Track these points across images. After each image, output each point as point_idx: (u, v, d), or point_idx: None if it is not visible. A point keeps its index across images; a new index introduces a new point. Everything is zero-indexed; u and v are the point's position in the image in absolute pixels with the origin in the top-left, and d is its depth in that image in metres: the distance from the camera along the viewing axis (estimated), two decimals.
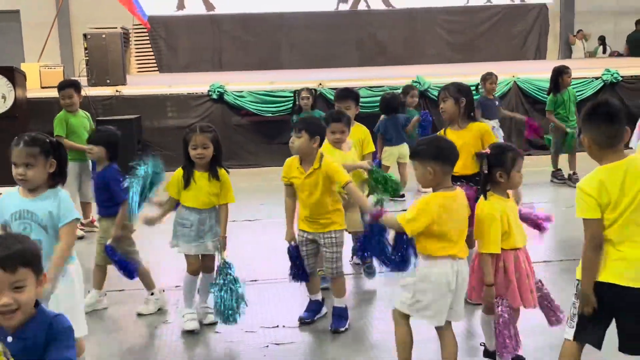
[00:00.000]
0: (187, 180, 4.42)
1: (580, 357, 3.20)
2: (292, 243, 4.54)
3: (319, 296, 4.71)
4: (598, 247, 3.07)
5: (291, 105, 10.26)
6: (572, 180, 8.49)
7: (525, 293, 3.61)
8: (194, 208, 4.50)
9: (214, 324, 4.63)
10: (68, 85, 7.23)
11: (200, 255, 4.56)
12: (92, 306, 4.79)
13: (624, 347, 3.14)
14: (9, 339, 2.17)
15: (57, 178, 3.40)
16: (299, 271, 4.52)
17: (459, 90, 4.84)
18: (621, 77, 11.08)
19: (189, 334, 4.51)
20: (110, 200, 4.83)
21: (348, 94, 6.22)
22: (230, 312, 4.31)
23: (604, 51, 18.88)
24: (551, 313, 3.74)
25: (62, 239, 3.33)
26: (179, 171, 4.48)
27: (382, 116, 7.76)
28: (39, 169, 3.30)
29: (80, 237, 6.34)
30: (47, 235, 3.31)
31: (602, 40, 19.07)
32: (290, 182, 4.50)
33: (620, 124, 3.10)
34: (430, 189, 3.54)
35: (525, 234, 3.73)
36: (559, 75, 8.48)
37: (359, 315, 4.86)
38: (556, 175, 8.84)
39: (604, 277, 3.07)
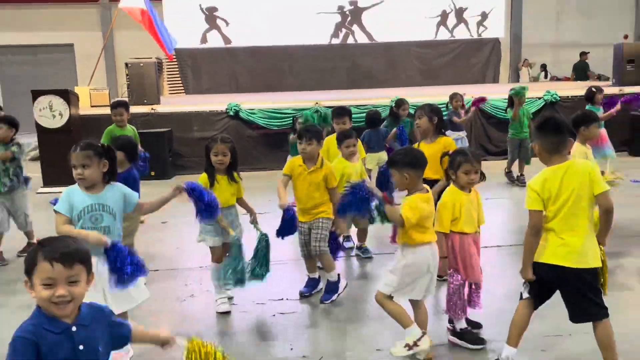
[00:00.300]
0: (212, 182, 4.36)
1: (531, 314, 3.28)
2: (285, 207, 4.51)
3: (316, 274, 4.76)
4: (537, 233, 3.14)
5: (292, 120, 10.25)
6: (519, 180, 8.48)
7: (470, 269, 3.68)
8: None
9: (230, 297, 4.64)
10: (120, 105, 7.23)
11: (222, 245, 4.49)
12: None
13: (574, 318, 3.20)
14: (74, 328, 2.06)
15: (109, 176, 3.42)
16: (285, 229, 4.57)
17: (432, 110, 4.90)
18: (559, 97, 11.15)
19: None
20: None
21: (344, 112, 6.30)
22: (261, 269, 4.44)
23: (546, 76, 18.94)
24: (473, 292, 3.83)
25: (145, 206, 3.61)
26: (204, 175, 4.41)
27: (367, 130, 7.75)
28: (94, 169, 3.32)
29: None
30: (115, 220, 3.39)
31: (544, 67, 19.13)
32: (289, 174, 4.54)
33: (564, 134, 3.19)
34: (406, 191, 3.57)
35: (475, 225, 3.75)
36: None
37: (355, 290, 4.83)
38: (509, 176, 8.77)
39: (549, 259, 3.13)
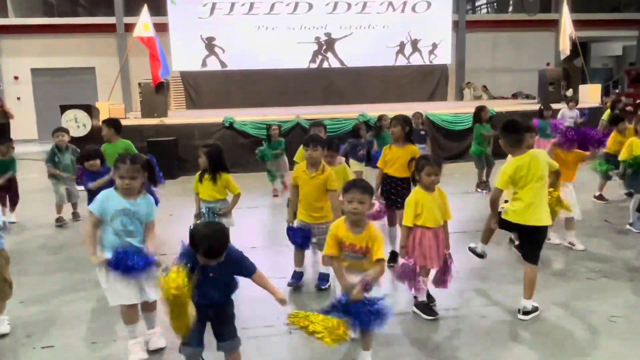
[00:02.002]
0: (201, 179, 4.55)
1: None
2: (290, 224, 4.39)
3: (302, 268, 4.54)
4: (497, 200, 3.77)
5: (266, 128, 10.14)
6: (486, 186, 7.97)
7: (429, 259, 3.67)
8: (205, 200, 4.55)
9: None
10: (103, 122, 6.48)
11: None
12: None
13: (524, 256, 3.79)
14: (210, 274, 2.62)
15: (144, 186, 3.32)
16: (296, 240, 4.37)
17: (404, 120, 4.87)
18: (495, 112, 11.20)
19: None
20: None
21: (320, 124, 6.27)
22: None
23: (487, 96, 19.11)
24: (440, 275, 3.78)
25: (151, 229, 3.30)
26: (197, 174, 4.61)
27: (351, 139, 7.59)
28: (139, 180, 3.22)
29: None
30: (140, 227, 3.24)
31: (485, 88, 19.32)
32: (297, 184, 4.33)
33: (521, 132, 3.74)
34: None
35: (438, 220, 3.67)
36: (481, 111, 7.98)
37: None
38: (479, 185, 8.12)
39: (513, 218, 3.70)
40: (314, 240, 4.37)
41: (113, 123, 6.40)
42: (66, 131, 7.18)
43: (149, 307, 3.40)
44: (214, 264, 2.64)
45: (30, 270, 4.99)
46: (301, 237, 4.33)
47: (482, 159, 8.02)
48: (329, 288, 4.37)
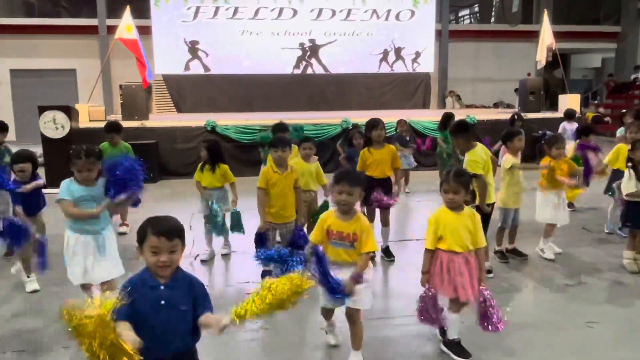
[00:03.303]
0: (202, 169, 5.22)
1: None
2: (263, 231, 4.40)
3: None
4: (485, 185, 4.28)
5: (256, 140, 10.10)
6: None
7: (460, 289, 3.10)
8: (206, 187, 5.18)
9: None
10: (111, 130, 6.48)
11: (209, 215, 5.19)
12: None
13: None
14: (162, 287, 2.10)
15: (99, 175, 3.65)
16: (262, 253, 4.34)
17: (384, 126, 5.07)
18: (477, 120, 11.33)
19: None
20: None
21: (284, 127, 6.25)
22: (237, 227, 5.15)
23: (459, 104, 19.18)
24: (483, 318, 3.13)
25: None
26: (200, 165, 5.25)
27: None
28: (95, 171, 3.58)
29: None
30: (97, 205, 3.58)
31: (458, 97, 19.34)
32: (265, 187, 4.33)
33: (470, 131, 4.42)
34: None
35: (466, 245, 3.13)
36: (449, 119, 8.13)
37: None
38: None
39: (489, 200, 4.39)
40: (278, 239, 4.49)
41: (119, 128, 6.57)
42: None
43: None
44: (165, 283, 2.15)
45: None
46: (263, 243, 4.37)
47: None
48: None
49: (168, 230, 2.12)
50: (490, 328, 3.09)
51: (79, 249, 3.59)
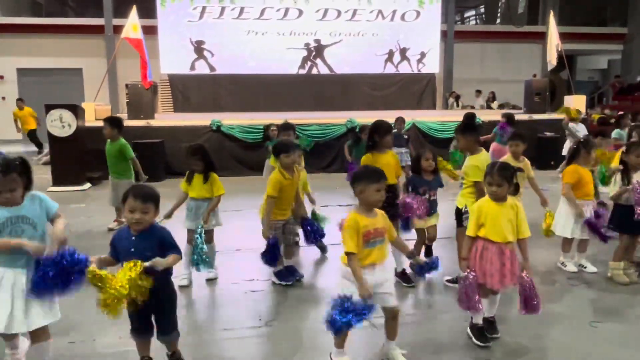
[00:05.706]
0: (190, 179, 4.54)
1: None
2: (270, 237, 4.38)
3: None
4: (484, 193, 3.69)
5: (262, 135, 10.20)
6: None
7: (489, 277, 3.28)
8: (193, 198, 4.54)
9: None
10: (105, 120, 6.28)
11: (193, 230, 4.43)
12: None
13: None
14: (133, 238, 2.73)
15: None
16: (270, 256, 4.38)
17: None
18: (481, 120, 11.26)
19: (187, 287, 4.48)
20: None
21: (290, 126, 6.20)
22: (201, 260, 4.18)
23: (457, 105, 19.03)
24: (524, 300, 3.30)
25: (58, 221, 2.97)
26: (187, 174, 4.58)
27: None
28: (19, 190, 2.73)
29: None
30: (35, 232, 2.77)
31: (456, 98, 19.21)
32: (277, 195, 4.31)
33: (477, 132, 4.32)
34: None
35: (505, 235, 3.25)
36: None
37: (313, 274, 4.89)
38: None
39: None
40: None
41: (116, 122, 6.30)
42: None
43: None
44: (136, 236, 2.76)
45: None
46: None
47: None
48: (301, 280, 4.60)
49: (143, 195, 2.71)
50: (529, 311, 3.30)
51: (5, 285, 2.71)
